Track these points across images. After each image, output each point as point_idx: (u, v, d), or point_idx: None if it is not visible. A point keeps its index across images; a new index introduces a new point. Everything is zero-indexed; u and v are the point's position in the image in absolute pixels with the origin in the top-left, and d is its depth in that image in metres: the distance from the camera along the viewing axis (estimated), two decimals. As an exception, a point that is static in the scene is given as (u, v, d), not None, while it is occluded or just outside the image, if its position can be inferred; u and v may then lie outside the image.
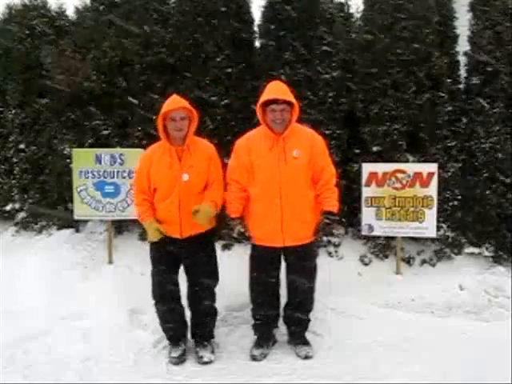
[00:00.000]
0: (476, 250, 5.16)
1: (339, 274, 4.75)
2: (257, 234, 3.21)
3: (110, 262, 4.79)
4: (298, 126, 3.17)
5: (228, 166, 3.29)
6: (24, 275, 4.37)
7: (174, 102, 3.11)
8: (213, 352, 3.29)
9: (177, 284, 3.31)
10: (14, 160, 5.92)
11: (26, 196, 5.79)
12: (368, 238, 5.01)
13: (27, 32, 5.75)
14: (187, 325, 3.40)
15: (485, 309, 3.97)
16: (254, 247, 3.27)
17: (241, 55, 5.21)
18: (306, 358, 3.22)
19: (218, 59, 5.07)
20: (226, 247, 4.97)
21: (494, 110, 5.01)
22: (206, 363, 3.20)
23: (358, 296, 4.09)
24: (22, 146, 5.83)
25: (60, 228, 5.50)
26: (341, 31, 5.42)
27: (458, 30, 5.65)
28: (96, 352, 3.26)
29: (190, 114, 3.14)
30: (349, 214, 5.19)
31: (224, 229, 4.58)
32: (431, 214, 4.54)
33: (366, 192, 4.69)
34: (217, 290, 3.38)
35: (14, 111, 5.87)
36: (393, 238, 4.83)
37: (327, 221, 3.14)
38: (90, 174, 4.71)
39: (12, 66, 5.81)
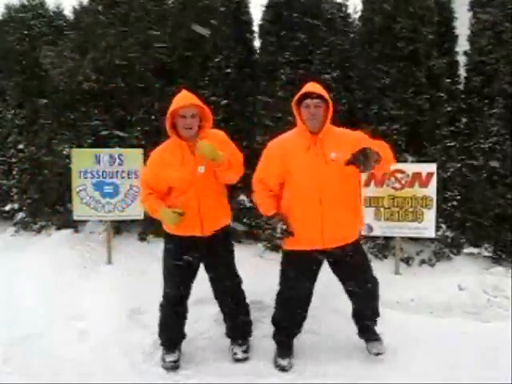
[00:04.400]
0: (475, 250, 5.17)
1: (338, 274, 4.76)
2: (294, 238, 2.98)
3: (109, 262, 4.78)
4: (334, 127, 3.01)
5: (257, 168, 3.11)
6: (23, 275, 4.36)
7: (184, 99, 2.86)
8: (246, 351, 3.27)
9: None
10: (13, 160, 5.93)
11: (25, 196, 5.79)
12: (367, 238, 5.00)
13: (26, 32, 5.76)
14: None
15: (484, 309, 3.96)
16: (288, 253, 3.05)
17: (240, 55, 5.21)
18: (378, 354, 3.13)
19: (217, 59, 5.07)
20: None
21: (494, 110, 5.01)
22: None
23: (357, 296, 4.07)
24: (20, 146, 5.84)
25: (59, 228, 5.51)
26: (341, 31, 5.43)
27: (457, 29, 5.66)
28: (95, 352, 3.26)
29: (202, 112, 2.93)
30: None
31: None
32: (430, 214, 4.54)
33: (365, 192, 4.68)
34: None
35: (12, 111, 5.88)
36: (392, 238, 4.82)
37: None
38: (89, 174, 4.71)
39: (11, 67, 5.82)
